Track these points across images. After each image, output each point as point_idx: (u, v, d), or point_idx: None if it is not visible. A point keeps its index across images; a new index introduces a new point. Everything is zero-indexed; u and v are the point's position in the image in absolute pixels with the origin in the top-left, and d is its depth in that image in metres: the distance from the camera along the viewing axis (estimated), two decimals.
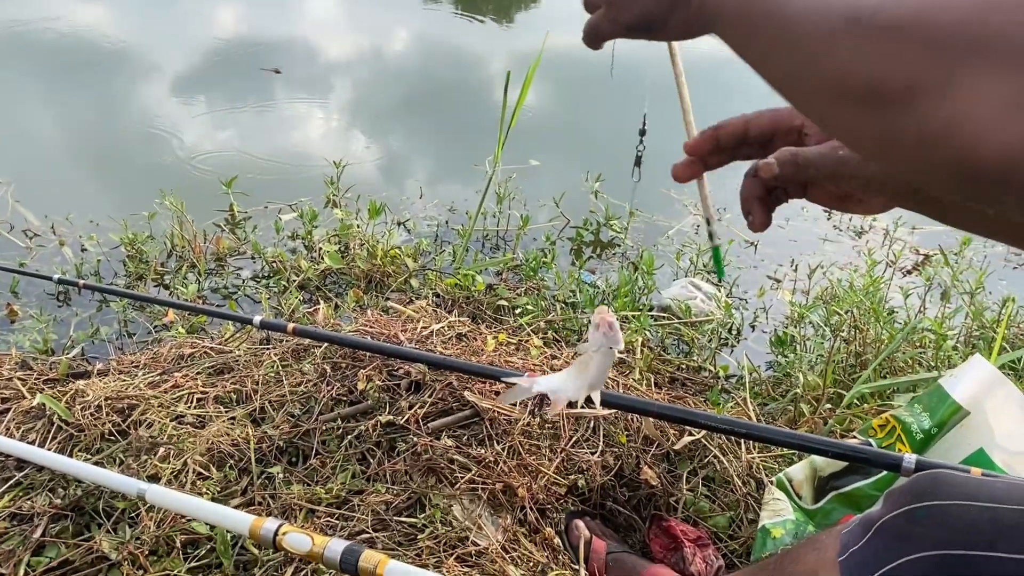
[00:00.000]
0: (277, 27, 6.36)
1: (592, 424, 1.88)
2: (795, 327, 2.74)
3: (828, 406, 2.16)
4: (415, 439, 1.72)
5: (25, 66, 5.19)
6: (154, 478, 1.61)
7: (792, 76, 0.57)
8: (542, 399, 1.86)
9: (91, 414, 1.83)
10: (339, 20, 7.12)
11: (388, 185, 4.00)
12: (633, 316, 2.56)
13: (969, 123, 0.46)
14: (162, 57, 5.50)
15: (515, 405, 1.85)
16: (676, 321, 2.73)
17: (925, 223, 3.80)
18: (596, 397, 1.05)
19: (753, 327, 2.91)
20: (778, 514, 1.68)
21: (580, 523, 1.68)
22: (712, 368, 2.48)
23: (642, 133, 0.78)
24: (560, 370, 1.09)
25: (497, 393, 1.87)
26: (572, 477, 1.76)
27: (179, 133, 4.37)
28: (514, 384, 1.08)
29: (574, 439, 1.83)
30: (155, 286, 2.94)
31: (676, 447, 1.89)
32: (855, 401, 2.17)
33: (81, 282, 2.29)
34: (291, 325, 1.85)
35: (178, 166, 3.96)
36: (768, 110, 0.84)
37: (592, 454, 1.81)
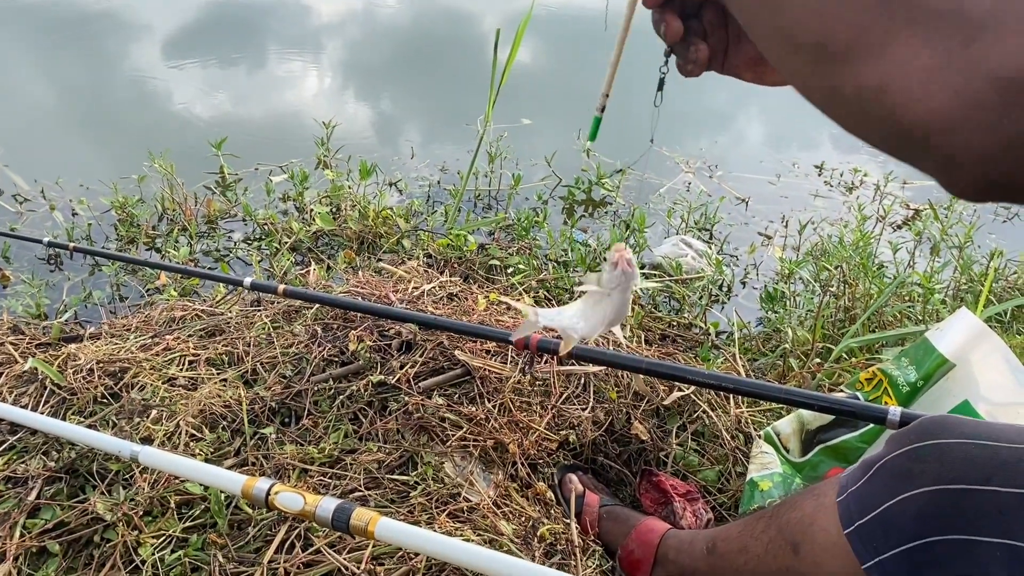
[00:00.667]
0: None
1: (582, 380, 1.89)
2: (785, 283, 2.75)
3: (817, 360, 2.18)
4: (406, 398, 1.73)
5: (10, 27, 5.12)
6: (147, 440, 1.63)
7: (757, 19, 0.60)
8: (533, 358, 1.87)
9: (83, 377, 1.84)
10: None
11: (379, 145, 3.98)
12: None
13: (897, 87, 0.49)
14: (150, 16, 5.43)
15: (506, 363, 1.87)
16: (667, 278, 2.74)
17: (916, 178, 3.79)
18: (618, 332, 1.07)
19: (744, 284, 2.92)
20: (766, 467, 1.71)
21: (574, 477, 1.69)
22: (702, 325, 2.49)
23: (667, 54, 0.75)
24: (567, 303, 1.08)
25: (488, 352, 1.89)
26: (563, 433, 1.77)
27: (168, 95, 4.33)
28: (525, 316, 1.08)
29: (565, 395, 1.85)
30: (147, 249, 2.94)
31: (666, 402, 1.90)
32: (843, 355, 2.18)
33: (71, 245, 2.29)
34: (281, 286, 1.86)
35: (168, 128, 3.93)
36: None
37: (583, 410, 1.82)
